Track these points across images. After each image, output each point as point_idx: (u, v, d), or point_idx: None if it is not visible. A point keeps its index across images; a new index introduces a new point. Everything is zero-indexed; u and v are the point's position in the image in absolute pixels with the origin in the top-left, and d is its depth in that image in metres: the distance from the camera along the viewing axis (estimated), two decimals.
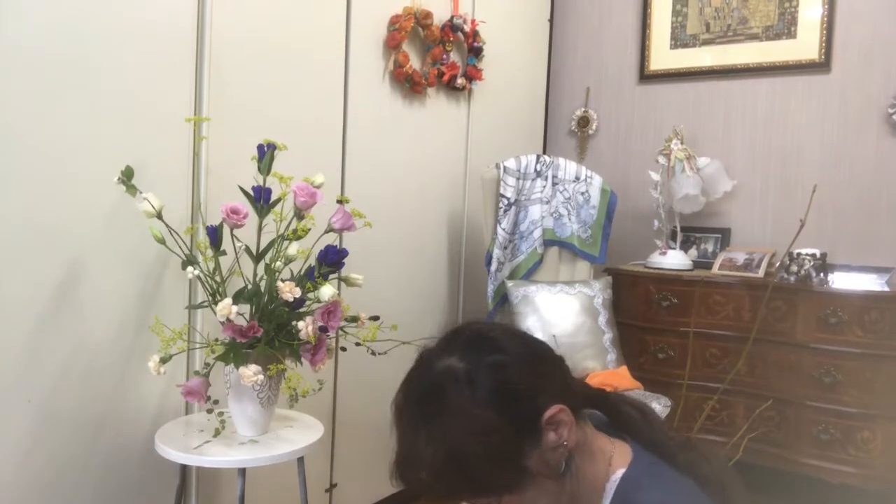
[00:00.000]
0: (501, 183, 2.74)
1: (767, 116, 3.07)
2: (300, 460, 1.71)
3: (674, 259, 2.94)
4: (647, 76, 3.34)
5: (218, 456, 1.55)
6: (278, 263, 1.64)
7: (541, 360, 0.89)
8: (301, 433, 1.71)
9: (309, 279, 1.62)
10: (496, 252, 2.73)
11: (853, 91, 2.88)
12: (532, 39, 3.37)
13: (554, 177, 2.87)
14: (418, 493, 0.89)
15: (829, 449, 2.47)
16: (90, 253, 1.62)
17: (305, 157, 2.03)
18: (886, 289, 2.50)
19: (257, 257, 1.64)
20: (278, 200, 1.65)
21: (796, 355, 2.54)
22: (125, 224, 1.67)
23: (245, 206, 1.61)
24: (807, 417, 2.51)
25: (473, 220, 2.96)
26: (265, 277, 1.63)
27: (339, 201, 1.80)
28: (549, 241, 2.88)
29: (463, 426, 0.80)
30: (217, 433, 1.65)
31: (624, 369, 2.67)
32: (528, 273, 2.82)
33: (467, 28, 2.74)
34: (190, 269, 1.57)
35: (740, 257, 2.85)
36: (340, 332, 1.71)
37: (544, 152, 3.54)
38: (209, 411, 1.72)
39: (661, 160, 2.98)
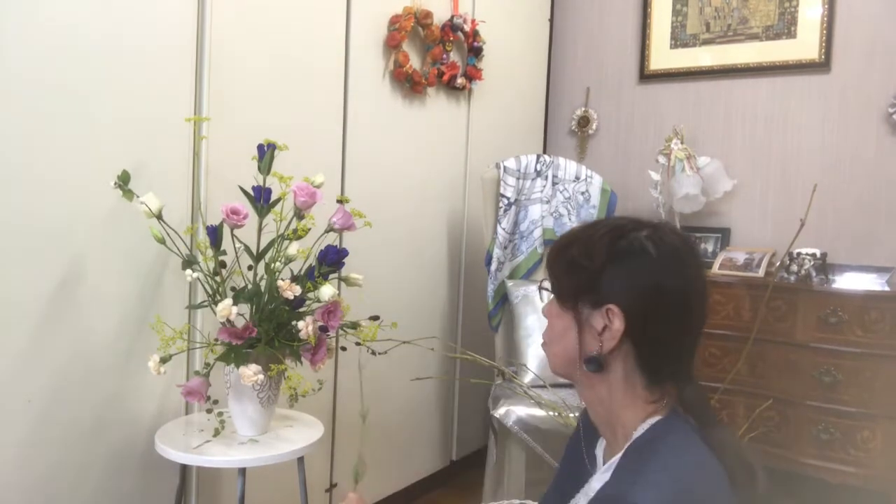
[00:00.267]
0: (501, 183, 2.74)
1: (767, 116, 3.07)
2: (300, 460, 1.71)
3: None
4: (647, 76, 3.34)
5: (218, 456, 1.55)
6: (278, 263, 1.64)
7: (665, 298, 0.94)
8: (301, 433, 1.71)
9: (309, 279, 1.62)
10: (496, 252, 2.73)
11: (853, 91, 2.88)
12: (532, 39, 3.37)
13: (554, 176, 2.87)
14: (548, 256, 1.06)
15: (829, 449, 2.47)
16: (90, 253, 1.62)
17: (305, 157, 2.03)
18: (886, 288, 2.50)
19: (257, 257, 1.64)
20: (278, 200, 1.65)
21: (796, 355, 2.54)
22: (125, 224, 1.67)
23: (245, 206, 1.61)
24: (807, 417, 2.51)
25: (473, 219, 2.96)
26: (265, 277, 1.63)
27: (339, 201, 1.80)
28: (550, 241, 2.87)
29: (588, 240, 0.98)
30: (217, 433, 1.65)
31: None
32: (529, 273, 2.83)
33: (467, 28, 2.74)
34: (189, 271, 1.57)
35: (740, 257, 2.85)
36: (340, 332, 1.71)
37: (544, 152, 3.54)
38: (209, 411, 1.72)
39: (661, 160, 2.98)
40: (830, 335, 2.47)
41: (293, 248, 1.65)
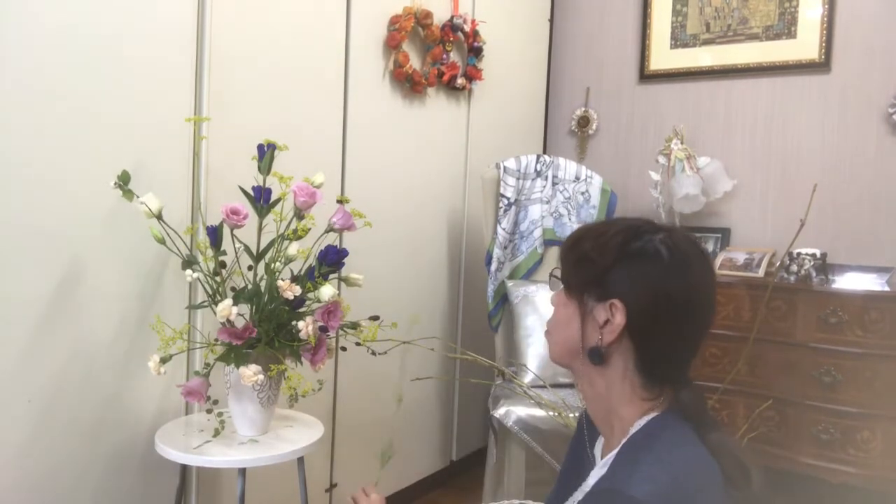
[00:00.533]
0: (501, 183, 2.74)
1: (767, 116, 3.07)
2: (300, 460, 1.71)
3: None
4: (647, 76, 3.34)
5: (218, 456, 1.55)
6: (278, 263, 1.64)
7: (670, 303, 0.95)
8: (301, 433, 1.71)
9: (309, 279, 1.62)
10: (496, 252, 2.73)
11: (853, 91, 2.88)
12: (532, 39, 3.37)
13: (554, 176, 2.87)
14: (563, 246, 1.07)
15: (829, 449, 2.47)
16: (90, 253, 1.62)
17: (305, 157, 2.03)
18: (887, 289, 2.50)
19: (257, 257, 1.64)
20: (278, 200, 1.65)
21: (796, 355, 2.54)
22: (125, 224, 1.67)
23: (245, 206, 1.61)
24: (807, 417, 2.51)
25: (473, 219, 2.96)
26: (265, 277, 1.63)
27: (339, 201, 1.80)
28: (550, 241, 2.87)
29: (599, 238, 1.00)
30: (217, 433, 1.65)
31: None
32: (529, 273, 2.83)
33: (467, 28, 2.74)
34: (189, 272, 1.57)
35: (740, 257, 2.85)
36: (340, 332, 1.71)
37: (544, 152, 3.54)
38: (209, 411, 1.72)
39: (662, 160, 2.98)
40: (830, 335, 2.47)
41: (293, 248, 1.65)
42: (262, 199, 1.63)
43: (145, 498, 1.77)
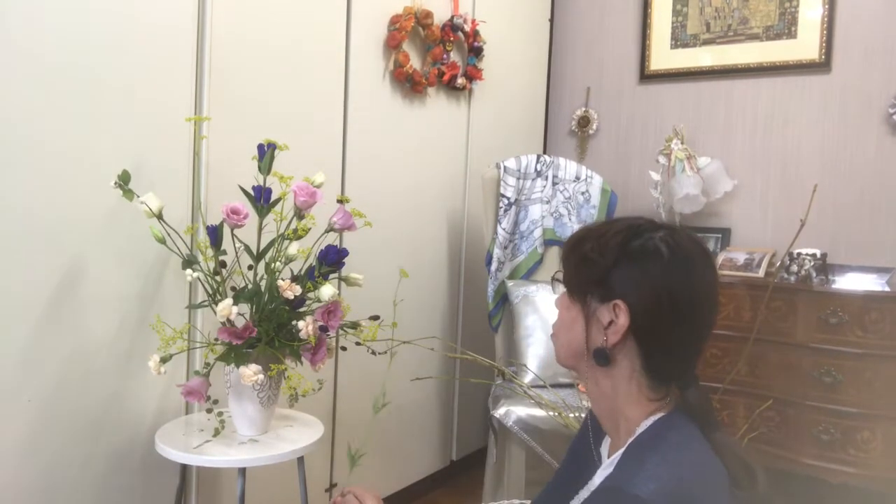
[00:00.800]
0: (501, 183, 2.74)
1: (767, 116, 3.07)
2: (300, 460, 1.71)
3: None
4: (647, 76, 3.34)
5: (218, 456, 1.55)
6: (278, 263, 1.64)
7: (673, 303, 0.95)
8: (301, 433, 1.71)
9: (309, 279, 1.62)
10: (496, 252, 2.73)
11: (853, 91, 2.88)
12: (532, 39, 3.37)
13: (554, 176, 2.87)
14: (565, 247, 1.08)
15: (829, 449, 2.47)
16: (90, 252, 1.62)
17: (305, 157, 2.03)
18: (887, 289, 2.50)
19: (257, 257, 1.64)
20: (278, 200, 1.65)
21: (796, 355, 2.53)
22: (125, 224, 1.67)
23: (245, 205, 1.61)
24: (807, 417, 2.51)
25: (473, 219, 2.96)
26: (265, 277, 1.63)
27: (340, 201, 1.80)
28: (550, 241, 2.88)
29: (601, 238, 1.00)
30: (217, 433, 1.65)
31: None
32: (529, 273, 2.82)
33: (467, 28, 2.74)
34: (189, 271, 1.57)
35: (740, 257, 2.85)
36: (340, 332, 1.71)
37: (544, 152, 3.54)
38: (209, 411, 1.72)
39: (662, 160, 2.98)
40: (830, 335, 2.47)
41: (293, 248, 1.65)
42: (262, 199, 1.63)
43: (145, 498, 1.77)
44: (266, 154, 1.65)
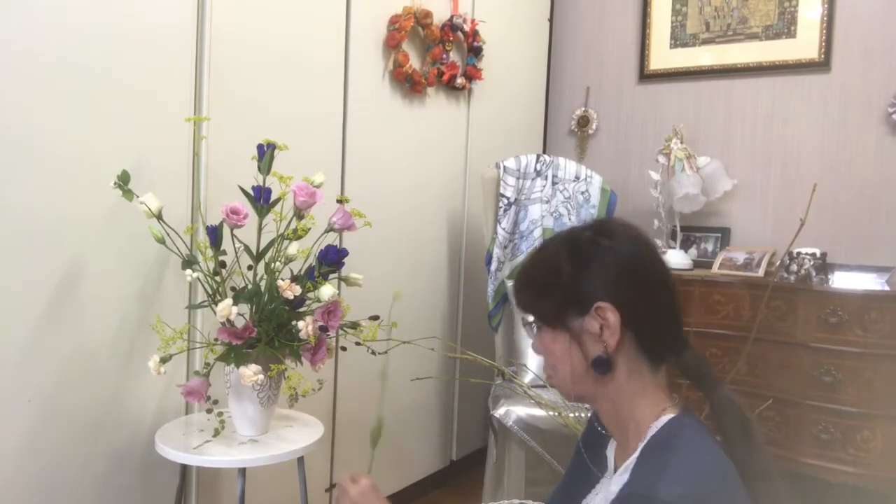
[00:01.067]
0: (501, 182, 2.74)
1: (767, 116, 3.07)
2: (300, 460, 1.71)
3: (674, 258, 2.94)
4: (647, 76, 3.34)
5: (218, 456, 1.55)
6: (278, 263, 1.64)
7: (642, 279, 0.99)
8: (301, 433, 1.71)
9: (309, 279, 1.62)
10: (496, 251, 2.73)
11: (853, 91, 2.88)
12: (532, 39, 3.37)
13: (554, 176, 2.87)
14: (514, 290, 1.08)
15: (829, 448, 2.47)
16: (90, 253, 1.62)
17: (305, 157, 2.03)
18: (886, 288, 2.50)
19: (257, 257, 1.64)
20: (278, 200, 1.65)
21: (796, 355, 2.53)
22: (125, 224, 1.67)
23: (245, 205, 1.61)
24: (807, 417, 2.51)
25: (473, 219, 2.96)
26: (265, 277, 1.63)
27: (339, 201, 1.80)
28: None
29: (547, 260, 1.02)
30: (217, 433, 1.65)
31: None
32: None
33: (467, 27, 2.74)
34: (189, 272, 1.57)
35: (740, 257, 2.85)
36: (340, 332, 1.71)
37: (544, 152, 3.54)
38: (209, 411, 1.72)
39: (661, 159, 2.98)
40: (830, 335, 2.47)
41: (293, 248, 1.65)
42: (262, 199, 1.63)
43: (145, 498, 1.77)
44: (266, 154, 1.65)
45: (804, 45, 2.96)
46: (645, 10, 3.33)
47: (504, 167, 2.75)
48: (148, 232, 1.61)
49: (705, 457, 0.90)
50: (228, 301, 1.53)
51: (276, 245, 1.65)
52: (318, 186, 1.68)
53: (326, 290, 1.60)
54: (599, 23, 3.49)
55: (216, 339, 1.55)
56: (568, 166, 2.91)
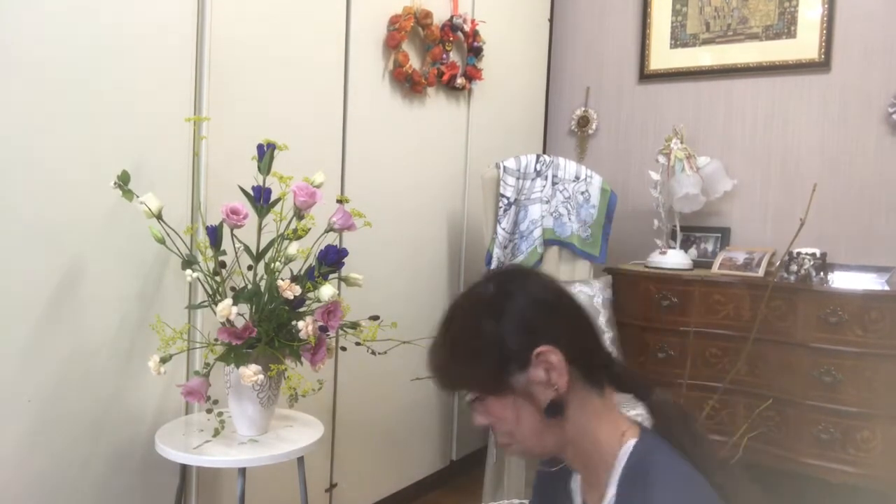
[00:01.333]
0: (501, 182, 2.74)
1: (767, 116, 3.07)
2: (300, 460, 1.71)
3: (674, 258, 2.94)
4: (647, 76, 3.34)
5: (218, 456, 1.55)
6: (278, 263, 1.64)
7: (560, 310, 0.97)
8: (301, 433, 1.71)
9: (309, 279, 1.62)
10: (496, 251, 2.73)
11: (853, 91, 2.88)
12: (532, 39, 3.37)
13: (554, 176, 2.87)
14: (433, 375, 1.01)
15: (829, 448, 2.47)
16: (90, 253, 1.62)
17: (305, 157, 2.03)
18: (886, 288, 2.50)
19: (257, 257, 1.64)
20: (278, 200, 1.65)
21: (796, 355, 2.54)
22: (125, 224, 1.67)
23: (245, 205, 1.61)
24: (807, 417, 2.51)
25: (473, 219, 2.96)
26: (265, 277, 1.63)
27: (339, 201, 1.80)
28: (550, 241, 2.87)
29: (466, 326, 0.97)
30: (217, 433, 1.65)
31: None
32: None
33: (467, 28, 2.74)
34: (189, 272, 1.57)
35: (740, 257, 2.85)
36: (340, 332, 1.71)
37: (544, 152, 3.54)
38: (209, 411, 1.72)
39: (661, 159, 2.98)
40: (830, 335, 2.47)
41: (293, 248, 1.65)
42: (262, 199, 1.63)
43: (145, 498, 1.77)
44: (266, 154, 1.66)
45: (804, 45, 2.96)
46: (645, 10, 3.33)
47: (504, 167, 2.75)
48: (148, 232, 1.61)
49: (686, 486, 0.88)
50: (228, 301, 1.53)
51: (276, 245, 1.65)
52: (318, 186, 1.68)
53: (326, 290, 1.60)
54: (599, 23, 3.49)
55: (216, 339, 1.55)
56: (568, 166, 2.91)
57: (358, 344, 1.72)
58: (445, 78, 2.68)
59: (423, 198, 2.71)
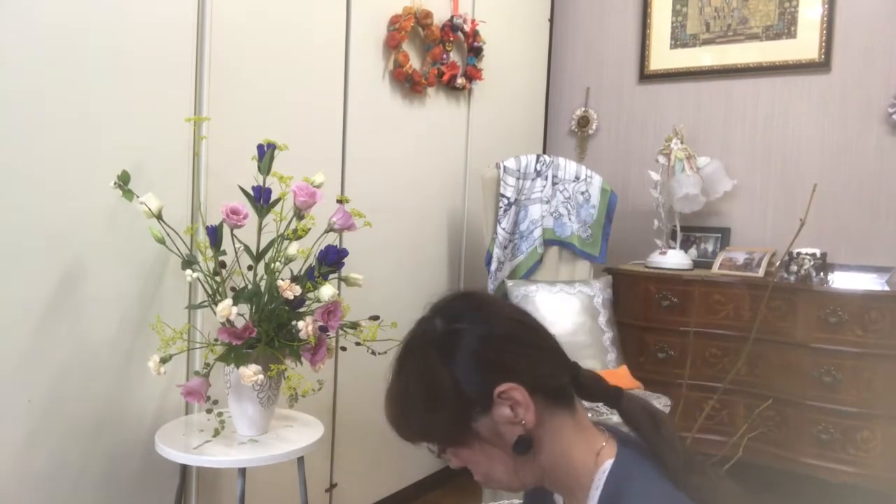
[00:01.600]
0: (501, 182, 2.74)
1: (767, 116, 3.07)
2: (300, 460, 1.71)
3: (674, 258, 2.94)
4: (647, 76, 3.34)
5: (218, 456, 1.55)
6: (278, 263, 1.64)
7: (516, 340, 0.92)
8: (301, 433, 1.71)
9: (309, 279, 1.62)
10: (496, 251, 2.73)
11: (853, 91, 2.88)
12: (532, 39, 3.37)
13: (554, 176, 2.87)
14: (391, 426, 0.94)
15: (829, 448, 2.47)
16: (90, 253, 1.62)
17: (305, 157, 2.03)
18: (886, 288, 2.50)
19: (257, 257, 1.64)
20: (278, 200, 1.65)
21: (796, 355, 2.54)
22: (125, 224, 1.67)
23: (245, 206, 1.61)
24: (807, 417, 2.51)
25: (473, 219, 2.96)
26: (265, 277, 1.63)
27: (339, 201, 1.80)
28: (550, 241, 2.88)
29: (418, 373, 0.90)
30: (217, 433, 1.65)
31: (624, 369, 2.67)
32: (528, 272, 2.83)
33: (467, 28, 2.74)
34: (189, 272, 1.57)
35: (740, 257, 2.85)
36: (340, 332, 1.71)
37: (544, 152, 3.54)
38: (209, 411, 1.72)
39: (661, 160, 2.98)
40: (830, 335, 2.47)
41: (293, 248, 1.65)
42: (262, 199, 1.63)
43: (145, 498, 1.77)
44: (266, 154, 1.66)
45: (804, 45, 2.96)
46: (645, 10, 3.33)
47: (504, 167, 2.75)
48: (148, 232, 1.61)
49: (667, 493, 0.86)
50: (228, 301, 1.53)
51: (276, 245, 1.65)
52: (318, 186, 1.68)
53: (326, 291, 1.60)
54: (599, 23, 3.49)
55: (216, 340, 1.55)
56: (568, 166, 2.91)
57: (358, 344, 1.72)
58: (445, 78, 2.68)
59: (423, 198, 2.71)
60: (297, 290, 1.57)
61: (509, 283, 2.75)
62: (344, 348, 1.78)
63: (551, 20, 3.51)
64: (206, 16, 1.84)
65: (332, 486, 2.36)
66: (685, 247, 3.10)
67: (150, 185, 1.67)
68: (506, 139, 3.18)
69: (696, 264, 3.01)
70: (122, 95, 1.66)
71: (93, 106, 1.61)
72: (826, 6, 2.90)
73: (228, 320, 1.53)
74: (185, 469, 1.72)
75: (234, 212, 1.57)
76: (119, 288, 1.69)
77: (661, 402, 2.51)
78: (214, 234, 1.61)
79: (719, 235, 3.12)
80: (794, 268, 2.60)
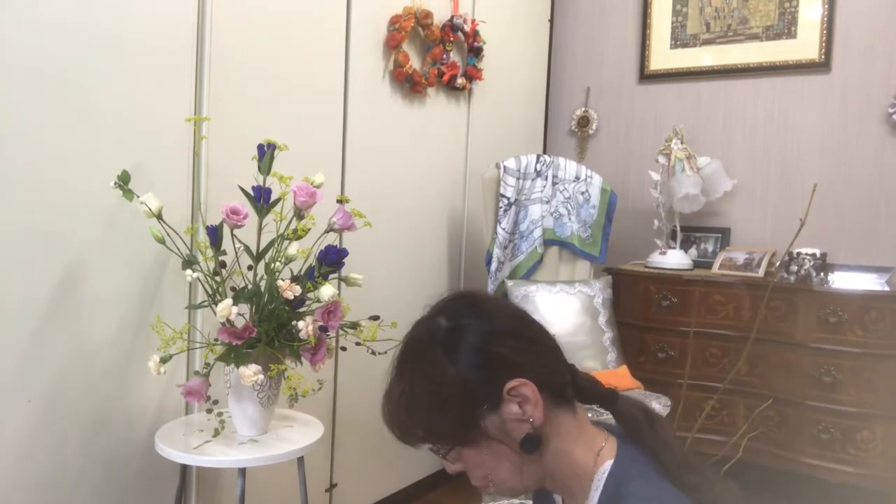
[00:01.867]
0: (501, 182, 2.74)
1: (767, 116, 3.07)
2: (300, 460, 1.71)
3: (674, 259, 2.94)
4: (647, 76, 3.34)
5: (218, 456, 1.55)
6: (278, 263, 1.64)
7: (520, 335, 0.92)
8: (301, 433, 1.71)
9: (309, 279, 1.62)
10: (496, 251, 2.73)
11: (853, 91, 2.88)
12: (532, 39, 3.37)
13: (554, 176, 2.88)
14: (390, 428, 0.92)
15: (829, 448, 2.47)
16: (90, 253, 1.62)
17: (305, 157, 2.03)
18: (886, 288, 2.50)
19: (257, 257, 1.64)
20: (278, 200, 1.65)
21: (796, 355, 2.54)
22: (125, 224, 1.67)
23: (245, 206, 1.61)
24: (807, 417, 2.51)
25: (473, 219, 2.96)
26: (265, 277, 1.63)
27: (339, 201, 1.80)
28: (550, 241, 2.88)
29: (424, 372, 0.88)
30: (217, 433, 1.65)
31: (624, 369, 2.67)
32: (529, 272, 2.83)
33: (467, 28, 2.74)
34: (189, 272, 1.57)
35: (740, 257, 2.85)
36: (340, 332, 1.71)
37: (544, 152, 3.54)
38: (209, 411, 1.72)
39: (661, 160, 2.98)
40: (830, 335, 2.47)
41: (293, 248, 1.65)
42: (262, 199, 1.63)
43: (145, 498, 1.77)
44: (266, 154, 1.66)
45: (804, 45, 2.96)
46: (645, 10, 3.33)
47: (504, 167, 2.75)
48: (148, 232, 1.61)
49: (669, 493, 0.85)
50: (228, 301, 1.53)
51: (276, 245, 1.65)
52: (318, 186, 1.68)
53: (326, 291, 1.60)
54: (599, 23, 3.49)
55: (216, 339, 1.55)
56: (568, 166, 2.91)
57: (358, 344, 1.72)
58: (445, 78, 2.68)
59: (423, 198, 2.71)
60: (297, 290, 1.57)
61: (509, 283, 2.75)
62: (344, 348, 1.78)
63: (551, 20, 3.51)
64: (207, 16, 1.84)
65: (332, 486, 2.36)
66: (685, 247, 3.10)
67: (150, 184, 1.67)
68: (506, 139, 3.18)
69: (697, 264, 3.01)
70: (122, 95, 1.66)
71: (93, 106, 1.61)
72: (826, 6, 2.90)
73: (228, 320, 1.53)
74: (185, 469, 1.72)
75: (234, 212, 1.57)
76: (119, 288, 1.69)
77: (661, 403, 2.51)
78: (214, 234, 1.61)
79: (719, 235, 3.12)
80: (794, 268, 2.60)
